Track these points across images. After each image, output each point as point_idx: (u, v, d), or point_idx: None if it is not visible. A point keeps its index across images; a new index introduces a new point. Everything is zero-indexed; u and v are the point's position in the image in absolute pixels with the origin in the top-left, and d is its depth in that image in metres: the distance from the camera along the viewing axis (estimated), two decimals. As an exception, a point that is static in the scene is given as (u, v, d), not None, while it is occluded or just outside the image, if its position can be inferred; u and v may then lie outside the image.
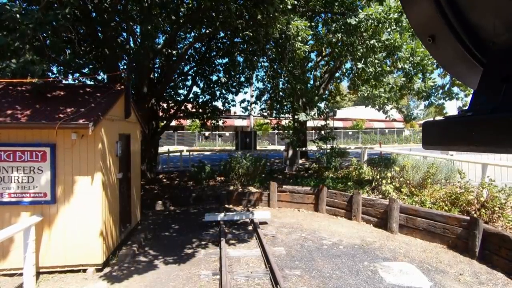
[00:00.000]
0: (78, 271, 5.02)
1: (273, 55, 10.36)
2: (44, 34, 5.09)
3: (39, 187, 4.79)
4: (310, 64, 16.55)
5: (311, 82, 16.31)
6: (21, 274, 4.68)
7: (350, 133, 37.37)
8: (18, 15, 4.42)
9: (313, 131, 17.09)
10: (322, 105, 12.24)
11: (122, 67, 9.60)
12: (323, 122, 11.40)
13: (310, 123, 13.59)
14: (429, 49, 0.72)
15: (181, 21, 8.90)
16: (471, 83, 0.70)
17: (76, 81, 9.91)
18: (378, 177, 8.80)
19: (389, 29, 6.79)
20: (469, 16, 0.62)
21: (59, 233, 4.89)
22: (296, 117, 10.45)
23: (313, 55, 17.12)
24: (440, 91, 14.74)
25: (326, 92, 18.13)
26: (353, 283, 4.73)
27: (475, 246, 5.60)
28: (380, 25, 6.70)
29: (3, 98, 5.25)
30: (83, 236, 4.92)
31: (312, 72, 17.62)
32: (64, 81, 7.98)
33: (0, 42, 4.45)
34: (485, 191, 6.66)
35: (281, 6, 6.25)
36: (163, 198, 9.56)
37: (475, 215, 6.12)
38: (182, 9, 9.23)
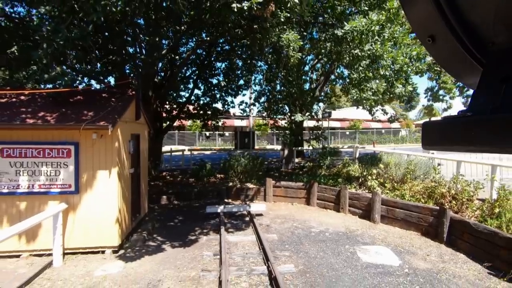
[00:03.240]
0: (98, 252, 5.82)
1: (270, 61, 11.16)
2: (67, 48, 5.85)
3: (64, 179, 5.58)
4: (307, 67, 17.30)
5: (308, 84, 17.08)
6: (49, 255, 5.48)
7: (347, 133, 38.15)
8: (50, 33, 5.21)
9: (310, 131, 17.85)
10: (316, 107, 13.01)
11: (128, 70, 10.41)
12: (322, 123, 12.22)
13: (307, 124, 14.39)
14: (428, 49, 0.72)
15: (183, 28, 9.68)
16: (470, 83, 0.70)
17: (84, 84, 10.74)
18: (365, 173, 9.60)
19: (371, 40, 7.57)
20: (468, 16, 0.62)
21: (82, 219, 5.68)
22: (292, 117, 11.25)
23: (310, 58, 17.86)
24: (429, 93, 15.56)
25: (322, 93, 18.92)
26: (334, 261, 5.52)
27: (443, 232, 6.39)
28: (364, 36, 7.49)
29: (31, 103, 6.05)
30: (102, 222, 5.71)
31: (309, 75, 18.40)
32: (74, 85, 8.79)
33: (35, 57, 5.25)
34: (459, 185, 7.45)
35: (274, 21, 7.03)
36: (167, 193, 10.34)
37: (447, 206, 6.91)
38: (184, 19, 10.01)
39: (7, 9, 6.77)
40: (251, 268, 5.16)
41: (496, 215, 6.02)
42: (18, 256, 5.58)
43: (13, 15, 8.37)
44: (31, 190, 5.53)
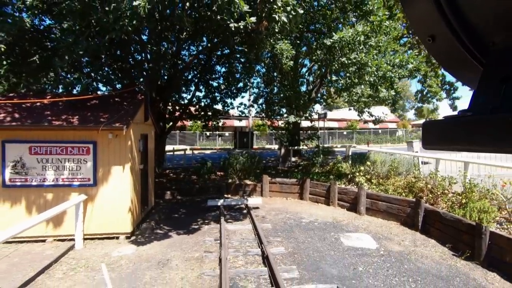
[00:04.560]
0: (113, 238, 6.62)
1: (267, 66, 11.95)
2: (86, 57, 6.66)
3: (84, 174, 6.39)
4: (304, 69, 18.10)
5: (304, 86, 17.85)
6: (71, 239, 6.28)
7: (344, 133, 38.98)
8: (70, 45, 6.01)
9: (304, 132, 18.62)
10: (310, 108, 13.81)
11: (135, 74, 11.21)
12: (316, 123, 13.01)
13: (305, 123, 15.18)
14: (429, 49, 0.72)
15: (185, 34, 10.46)
16: (471, 83, 0.70)
17: (92, 88, 11.54)
18: (353, 170, 10.40)
19: (358, 49, 8.36)
20: (468, 16, 0.62)
21: (99, 208, 6.48)
22: (286, 118, 12.06)
23: (307, 61, 18.63)
24: (419, 95, 16.36)
25: (318, 95, 19.73)
26: (319, 245, 6.32)
27: (418, 221, 7.19)
28: (350, 45, 8.28)
29: (54, 107, 6.84)
30: (117, 211, 6.51)
31: (306, 77, 19.19)
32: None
33: (57, 64, 6.06)
34: (436, 180, 8.25)
35: (270, 31, 7.82)
36: (171, 189, 11.14)
37: (424, 199, 7.71)
38: (186, 28, 10.79)
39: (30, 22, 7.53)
40: (247, 250, 5.97)
41: (463, 206, 6.82)
42: (44, 241, 6.39)
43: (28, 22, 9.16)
44: (56, 183, 6.33)
